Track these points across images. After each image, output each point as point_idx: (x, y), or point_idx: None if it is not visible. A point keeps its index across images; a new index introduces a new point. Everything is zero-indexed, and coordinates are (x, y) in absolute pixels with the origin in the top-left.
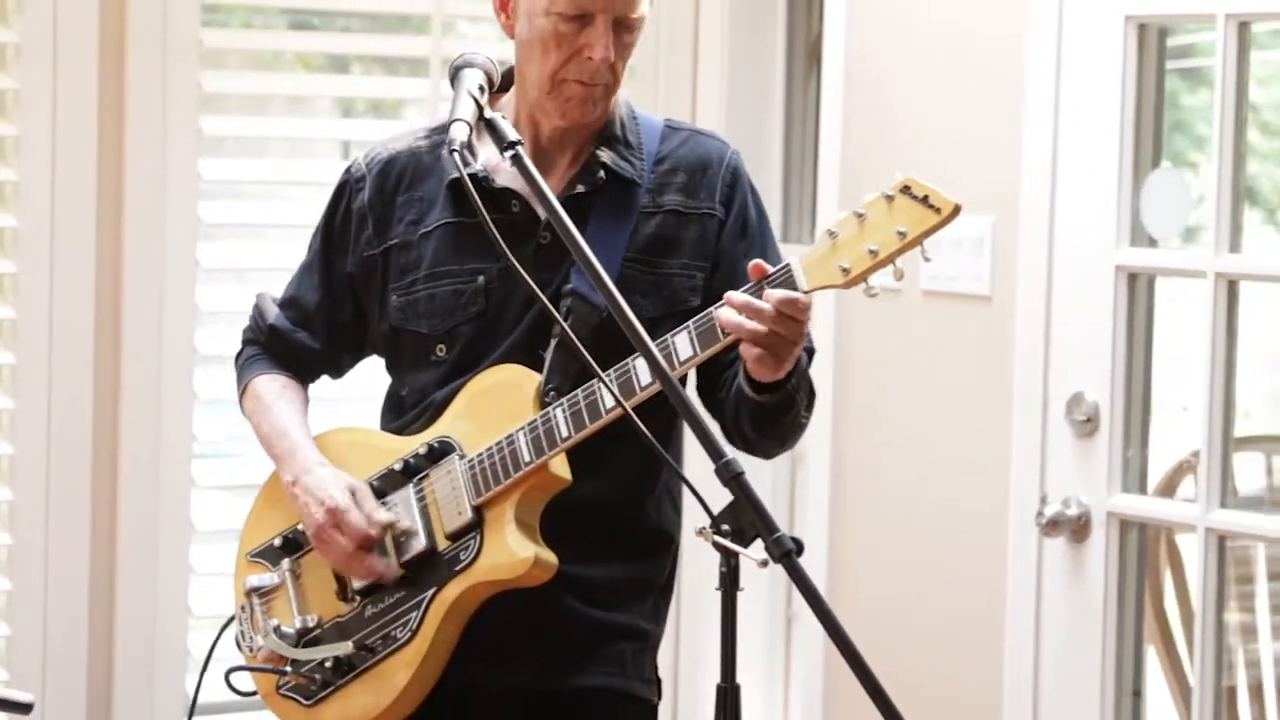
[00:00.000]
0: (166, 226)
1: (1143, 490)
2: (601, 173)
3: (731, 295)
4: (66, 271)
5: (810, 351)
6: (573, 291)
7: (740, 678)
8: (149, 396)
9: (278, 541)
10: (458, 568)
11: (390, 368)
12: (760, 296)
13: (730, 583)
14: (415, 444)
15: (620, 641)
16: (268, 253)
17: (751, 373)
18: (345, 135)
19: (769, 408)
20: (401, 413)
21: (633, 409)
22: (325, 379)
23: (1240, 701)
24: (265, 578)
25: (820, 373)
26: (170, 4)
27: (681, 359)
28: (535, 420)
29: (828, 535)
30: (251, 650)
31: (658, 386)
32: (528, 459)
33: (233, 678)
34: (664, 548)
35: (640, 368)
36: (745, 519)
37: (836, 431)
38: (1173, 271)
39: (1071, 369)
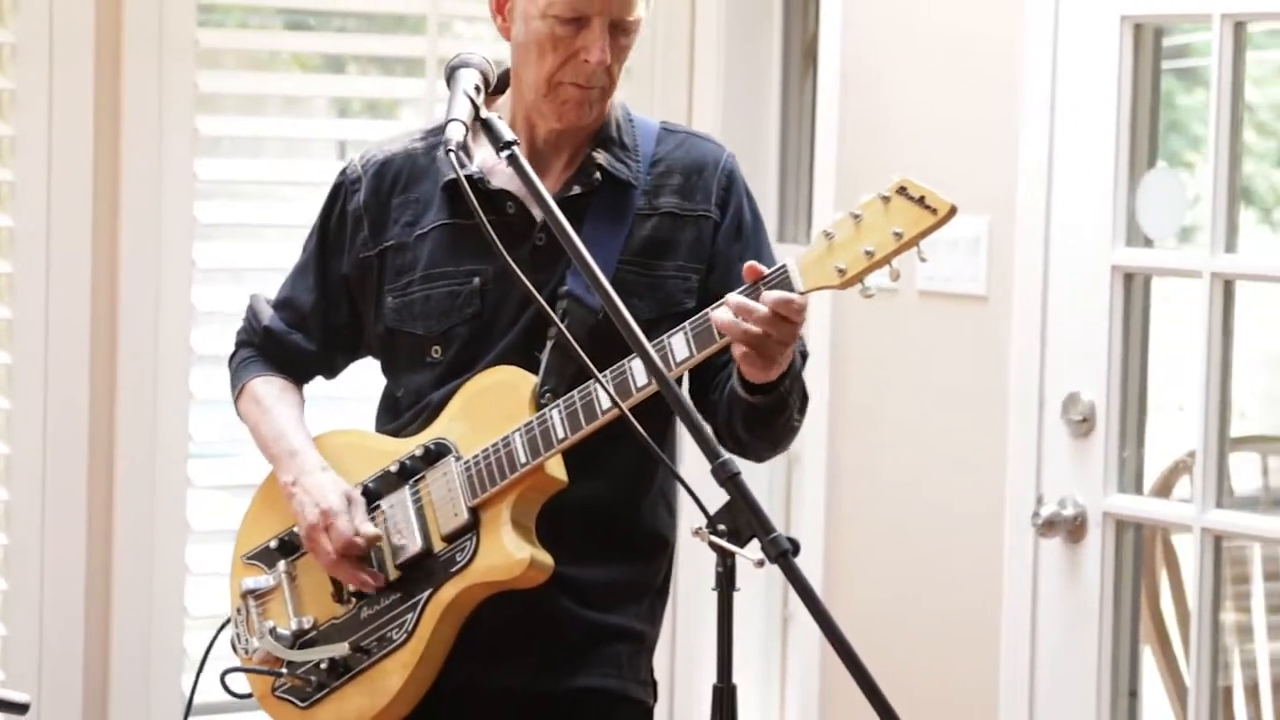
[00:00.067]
0: (162, 226)
1: (1139, 490)
2: (597, 174)
3: (728, 297)
4: (62, 271)
5: (804, 355)
6: (569, 294)
7: (736, 678)
8: (145, 396)
9: (274, 544)
10: (454, 569)
11: (386, 369)
12: (756, 298)
13: (726, 583)
14: (411, 446)
15: (616, 643)
16: (264, 253)
17: (743, 373)
18: (341, 135)
19: (761, 409)
20: (397, 414)
21: (629, 410)
22: (319, 380)
23: (1236, 701)
24: (261, 580)
25: (816, 373)
26: (166, 4)
27: (678, 360)
28: (531, 422)
29: (823, 535)
30: (247, 652)
31: (654, 387)
32: (524, 460)
33: (228, 680)
34: (660, 550)
35: (636, 369)
36: (741, 519)
37: (832, 431)
38: (1168, 271)
39: (1067, 369)
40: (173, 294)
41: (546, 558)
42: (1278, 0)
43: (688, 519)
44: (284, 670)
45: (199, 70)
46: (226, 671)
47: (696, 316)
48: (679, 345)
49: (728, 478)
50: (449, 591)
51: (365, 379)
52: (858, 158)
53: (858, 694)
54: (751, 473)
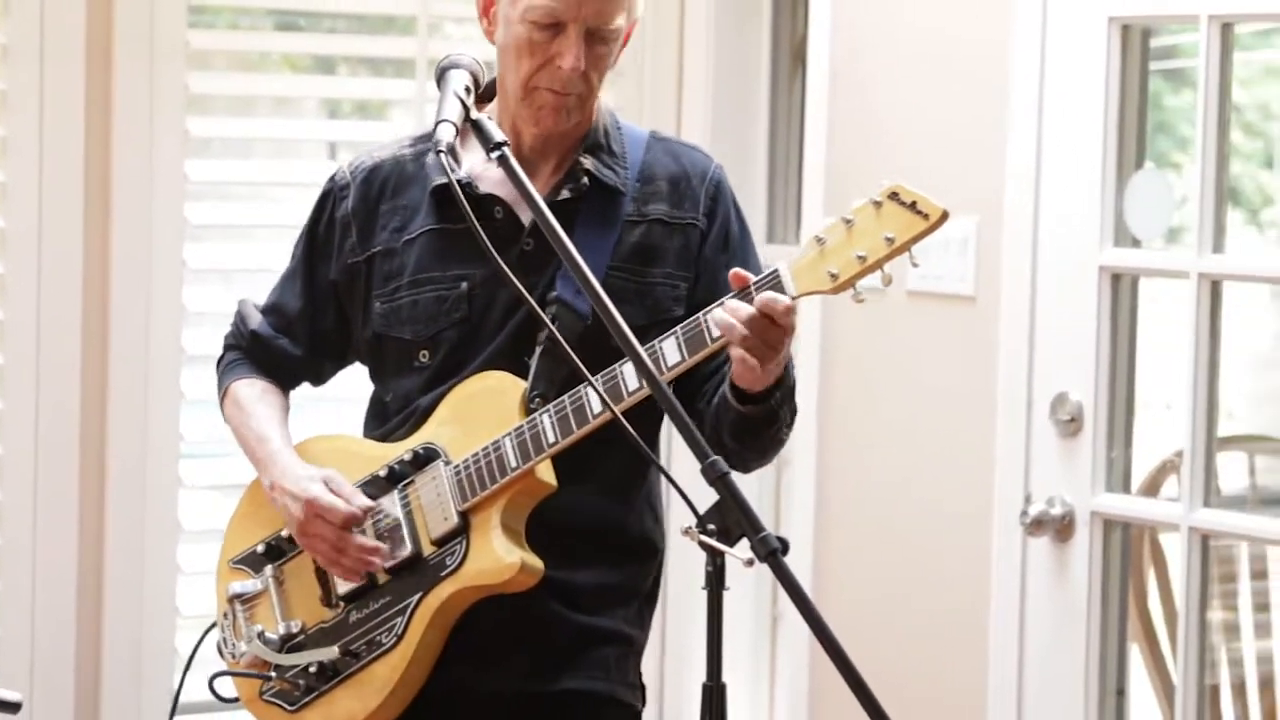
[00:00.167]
0: (153, 227)
1: (1126, 490)
2: (585, 179)
3: (725, 301)
4: (54, 272)
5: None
6: (558, 299)
7: (726, 676)
8: (136, 397)
9: (260, 548)
10: (444, 573)
11: (374, 375)
12: (750, 303)
13: (716, 582)
14: (400, 450)
15: (604, 646)
16: (254, 253)
17: (736, 379)
18: (331, 136)
19: (752, 420)
20: (385, 419)
21: (620, 415)
22: (306, 386)
23: (1223, 700)
24: (248, 584)
25: (805, 373)
26: (157, 5)
27: (669, 364)
28: (522, 426)
29: (813, 535)
30: (234, 656)
31: (645, 392)
32: (514, 464)
33: (216, 684)
34: (648, 554)
35: (628, 373)
36: (731, 518)
37: (821, 431)
38: (1156, 272)
39: (1055, 369)
40: (164, 294)
41: (536, 562)
42: (1265, 1)
43: (677, 520)
44: (272, 674)
45: (190, 71)
46: (215, 675)
47: (688, 321)
48: (670, 349)
49: (717, 477)
50: (439, 595)
51: (351, 382)
52: (846, 159)
53: (847, 693)
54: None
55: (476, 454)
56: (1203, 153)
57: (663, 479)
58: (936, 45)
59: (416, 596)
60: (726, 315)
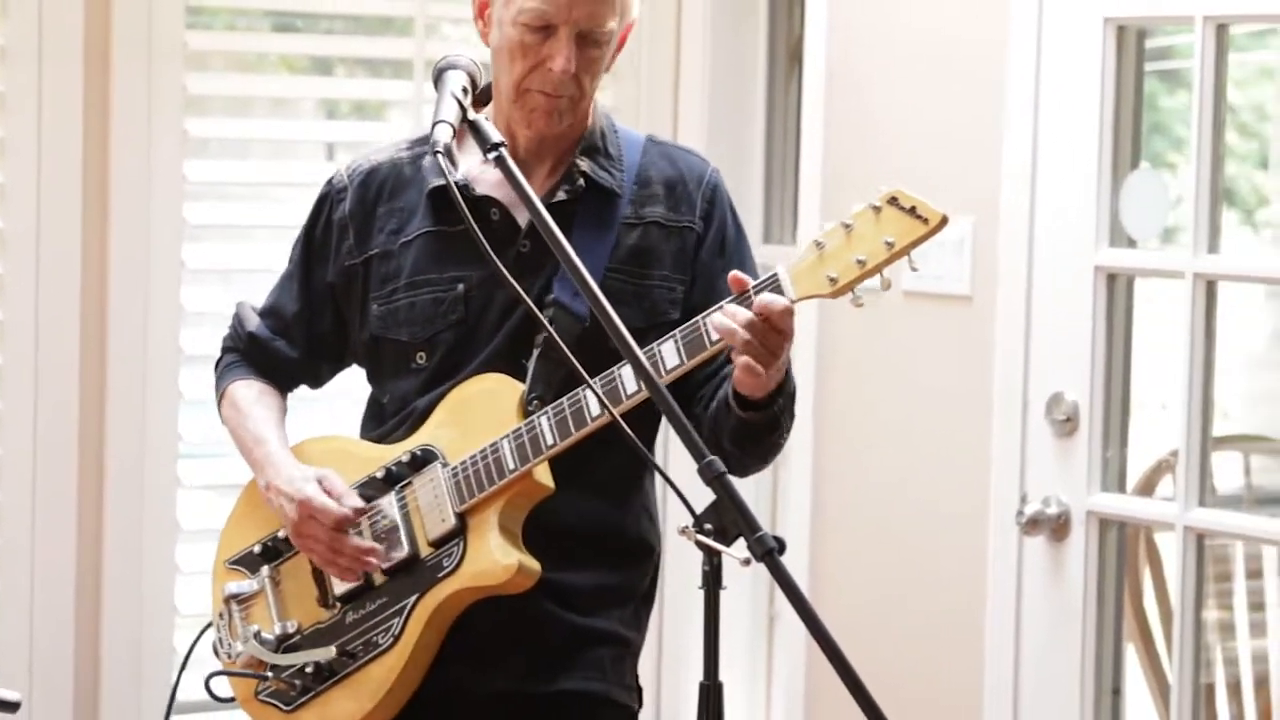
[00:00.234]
0: (151, 227)
1: (1122, 489)
2: (581, 180)
3: (724, 305)
4: (52, 272)
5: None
6: (555, 301)
7: (723, 676)
8: (135, 397)
9: (257, 549)
10: (441, 574)
11: (371, 377)
12: (749, 306)
13: (713, 581)
14: (397, 452)
15: (600, 647)
16: (252, 253)
17: (738, 386)
18: (329, 137)
19: (754, 425)
20: (382, 421)
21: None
22: (303, 388)
23: (1218, 699)
24: (244, 584)
25: (801, 372)
26: (155, 6)
27: (668, 368)
28: (520, 428)
29: (809, 534)
30: (230, 656)
31: (643, 395)
32: (512, 466)
33: (212, 684)
34: (645, 556)
35: (626, 376)
36: (728, 518)
37: (818, 430)
38: (1151, 272)
39: (1051, 369)
40: (162, 294)
41: (534, 563)
42: (1260, 2)
43: (675, 521)
44: (269, 674)
45: (187, 72)
46: (212, 675)
47: (687, 324)
48: (669, 353)
49: (714, 477)
50: (436, 596)
51: (349, 383)
52: (843, 159)
53: (843, 692)
54: None
55: (474, 456)
56: (1198, 153)
57: (659, 482)
58: (933, 46)
59: (413, 598)
60: (726, 319)
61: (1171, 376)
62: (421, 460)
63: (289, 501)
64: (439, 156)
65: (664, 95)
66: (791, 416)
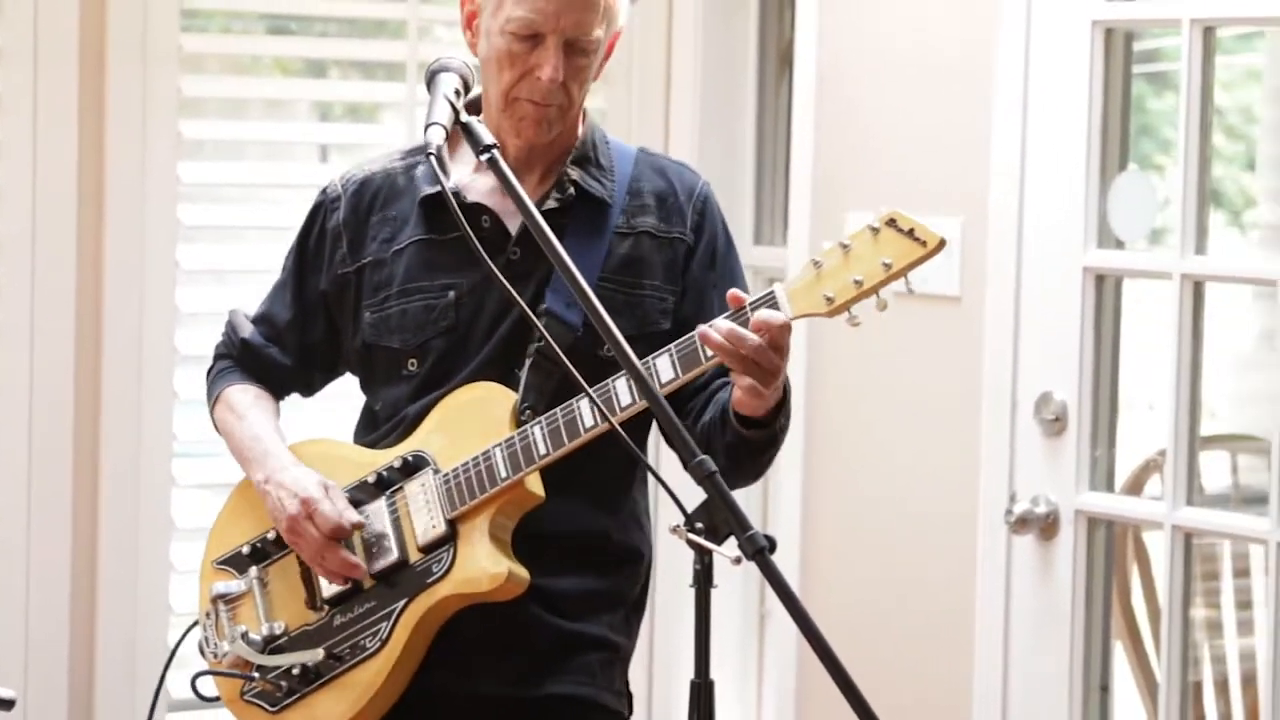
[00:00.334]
0: (146, 229)
1: (1110, 488)
2: (572, 189)
3: (718, 323)
4: (47, 273)
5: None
6: (547, 311)
7: (714, 674)
8: (129, 396)
9: (245, 549)
10: (430, 580)
11: (364, 385)
12: (745, 323)
13: (704, 580)
14: (389, 457)
15: (590, 652)
16: (246, 255)
17: (738, 406)
18: (323, 139)
19: (753, 443)
20: (375, 427)
21: (608, 429)
22: (295, 396)
23: (1206, 696)
24: (232, 585)
25: (792, 372)
26: (150, 9)
27: (663, 381)
28: (513, 437)
29: (800, 533)
30: (216, 656)
31: (637, 407)
32: (504, 475)
33: (198, 683)
34: (635, 562)
35: (620, 388)
36: (719, 517)
37: (808, 430)
38: (1139, 273)
39: (1040, 369)
40: (156, 295)
41: (523, 572)
42: (1246, 5)
43: (666, 524)
44: (255, 675)
45: (182, 74)
46: (198, 674)
47: (683, 338)
48: (664, 367)
49: (705, 476)
50: (424, 602)
51: (345, 387)
52: (833, 161)
53: (834, 690)
54: None
55: (466, 463)
56: (1185, 155)
57: (650, 490)
58: (922, 49)
59: (402, 602)
60: (719, 336)
61: (1159, 377)
62: (413, 466)
63: (291, 496)
64: (431, 158)
65: (655, 98)
66: (785, 434)
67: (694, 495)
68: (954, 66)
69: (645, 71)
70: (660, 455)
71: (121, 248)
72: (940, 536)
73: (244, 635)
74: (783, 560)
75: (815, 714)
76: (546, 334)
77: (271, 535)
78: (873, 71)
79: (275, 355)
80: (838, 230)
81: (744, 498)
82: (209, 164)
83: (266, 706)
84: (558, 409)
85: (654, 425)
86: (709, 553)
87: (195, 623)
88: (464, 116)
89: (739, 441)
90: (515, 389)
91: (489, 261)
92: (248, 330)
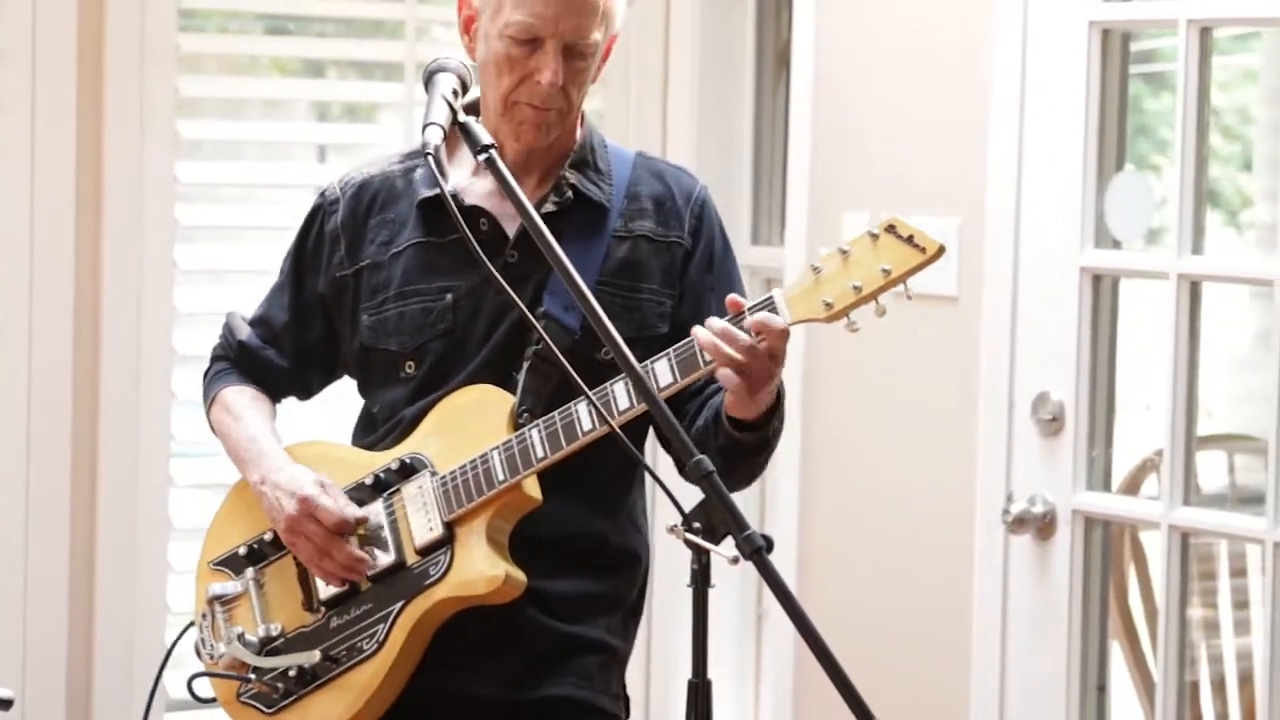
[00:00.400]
0: (144, 229)
1: (1107, 488)
2: (569, 193)
3: (712, 321)
4: (46, 273)
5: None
6: (545, 314)
7: (711, 674)
8: (127, 396)
9: (242, 550)
10: (427, 582)
11: (362, 387)
12: (742, 327)
13: (702, 580)
14: (386, 459)
15: (587, 655)
16: (244, 254)
17: (729, 409)
18: (321, 139)
19: (744, 445)
20: (373, 430)
21: (606, 432)
22: (292, 399)
23: (1203, 696)
24: (228, 586)
25: (788, 372)
26: (148, 9)
27: (661, 385)
28: (510, 440)
29: (797, 533)
30: (211, 658)
31: (635, 411)
32: (501, 478)
33: (194, 684)
34: (632, 565)
35: (619, 392)
36: (716, 517)
37: (805, 430)
38: (1136, 273)
39: (1037, 369)
40: (154, 295)
41: (520, 574)
42: (1243, 6)
43: (662, 528)
44: (251, 676)
45: (180, 75)
46: (195, 675)
47: (682, 343)
48: (663, 370)
49: (702, 476)
50: (421, 604)
51: (342, 390)
52: (830, 161)
53: (831, 689)
54: None
55: (464, 466)
56: (1182, 155)
57: (648, 494)
58: (919, 49)
59: (399, 605)
60: (712, 337)
61: (1156, 376)
62: (410, 468)
63: (289, 496)
64: (429, 158)
65: (652, 98)
66: (778, 440)
67: (691, 498)
68: (951, 67)
69: (643, 72)
70: (656, 459)
71: (119, 248)
72: (937, 536)
73: (240, 636)
74: (780, 560)
75: (812, 714)
76: (545, 336)
77: (269, 536)
78: (870, 72)
79: (272, 357)
80: (835, 230)
81: (741, 498)
82: (207, 164)
83: (263, 708)
84: (555, 412)
85: (649, 432)
86: (706, 552)
87: (191, 623)
88: (462, 116)
89: (731, 444)
90: (513, 392)
91: (488, 263)
92: (245, 332)
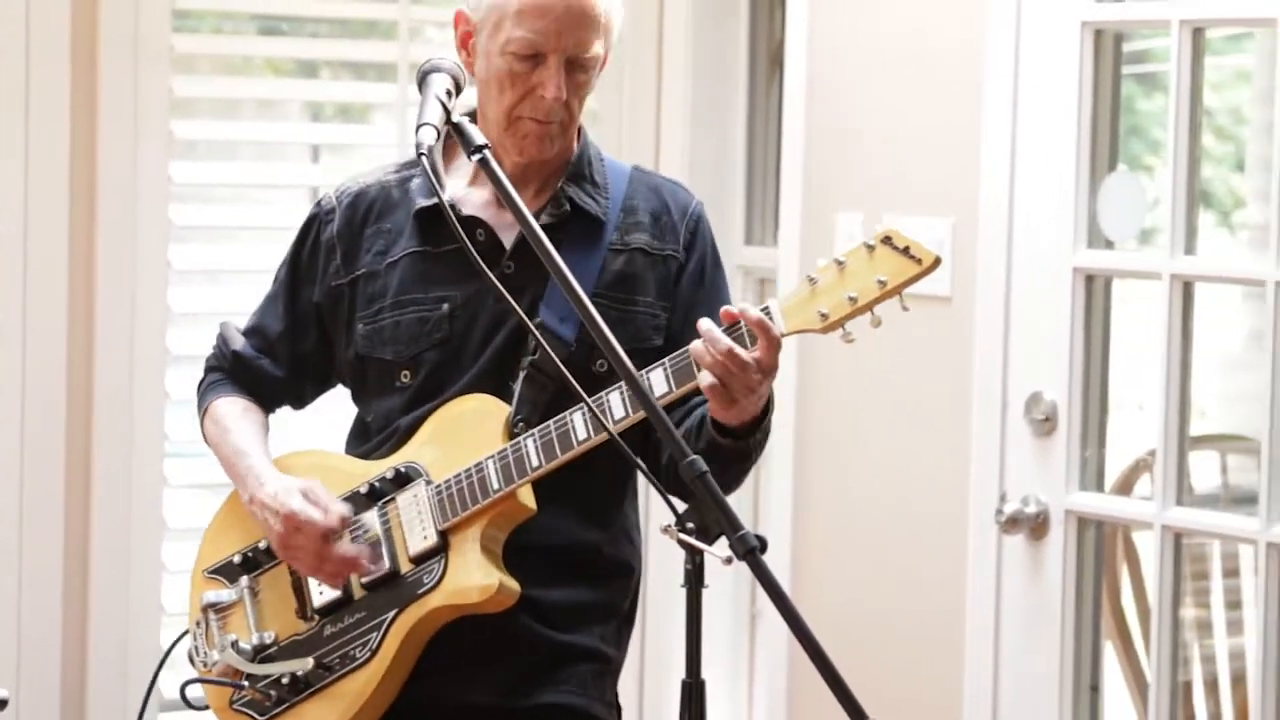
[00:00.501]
0: (138, 229)
1: (1100, 488)
2: (567, 206)
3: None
4: (40, 274)
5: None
6: (540, 325)
7: (705, 674)
8: (121, 396)
9: (236, 558)
10: (421, 590)
11: (356, 396)
12: (739, 338)
13: (695, 580)
14: (381, 468)
15: (581, 663)
16: (238, 254)
17: (714, 413)
18: (314, 139)
19: (724, 451)
20: (367, 439)
21: (599, 444)
22: (286, 408)
23: (1196, 696)
24: (223, 594)
25: (783, 372)
26: (141, 10)
27: (656, 395)
28: (505, 449)
29: (791, 533)
30: (205, 665)
31: (630, 421)
32: (496, 487)
33: (187, 691)
34: (625, 574)
35: (613, 401)
36: (710, 517)
37: (799, 430)
38: (1129, 273)
39: (1030, 369)
40: (148, 295)
41: (513, 583)
42: (1235, 7)
43: (656, 536)
44: (244, 683)
45: (174, 75)
46: (188, 682)
47: (675, 353)
48: (658, 380)
49: (696, 476)
50: (415, 613)
51: (336, 401)
52: (823, 162)
53: (825, 689)
54: None
55: (459, 475)
56: (1174, 156)
57: (639, 506)
58: (912, 50)
59: (392, 613)
60: (701, 340)
61: (1149, 377)
62: (405, 477)
63: (274, 516)
64: (423, 159)
65: (646, 99)
66: (761, 452)
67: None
68: (944, 67)
69: (636, 73)
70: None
71: (113, 248)
72: (931, 536)
73: (234, 644)
74: (774, 560)
75: (806, 714)
76: (544, 343)
77: (263, 544)
78: (863, 72)
79: (267, 367)
80: (828, 231)
81: (734, 498)
82: (201, 164)
83: (255, 715)
84: (551, 422)
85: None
86: (700, 553)
87: (185, 632)
88: (455, 116)
89: (710, 449)
90: (509, 402)
91: (488, 272)
92: (239, 343)
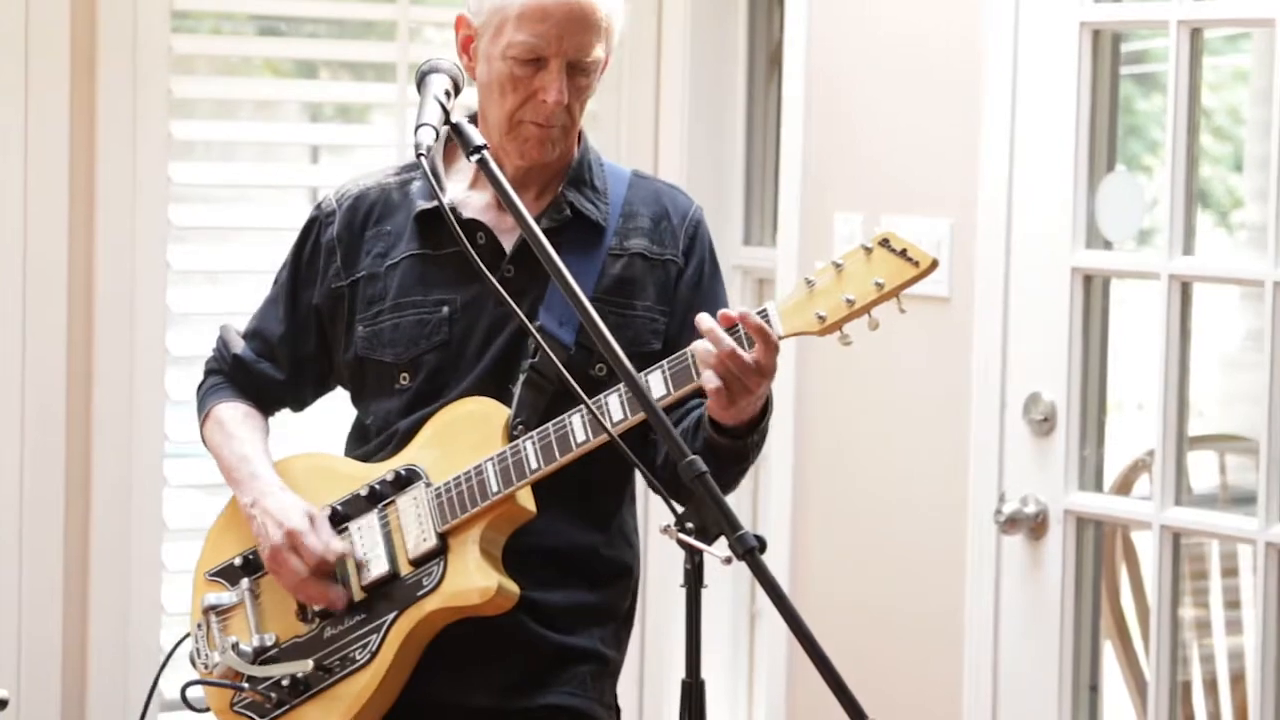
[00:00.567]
0: (137, 229)
1: (1099, 488)
2: (567, 210)
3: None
4: (39, 274)
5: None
6: (540, 329)
7: (705, 674)
8: (121, 397)
9: (238, 561)
10: (420, 593)
11: (355, 398)
12: (738, 340)
13: (695, 580)
14: (381, 471)
15: (580, 664)
16: (237, 255)
17: (712, 411)
18: (313, 139)
19: (720, 450)
20: (366, 441)
21: (598, 447)
22: (286, 412)
23: (1195, 695)
24: (224, 596)
25: (781, 372)
26: (140, 10)
27: (654, 397)
28: (504, 452)
29: (790, 533)
30: (207, 667)
31: (628, 423)
32: (495, 489)
33: (188, 693)
34: (623, 576)
35: (612, 404)
36: (709, 517)
37: (798, 430)
38: (1127, 273)
39: (1029, 369)
40: (148, 296)
41: (513, 586)
42: (1233, 7)
43: (655, 539)
44: (245, 685)
45: (173, 75)
46: (188, 684)
47: (674, 356)
48: (656, 383)
49: (695, 476)
50: (414, 615)
51: (331, 408)
52: (822, 162)
53: (824, 689)
54: None
55: (458, 477)
56: (1173, 156)
57: (637, 508)
58: (911, 50)
59: (392, 615)
60: (706, 345)
61: (1147, 377)
62: (405, 480)
63: (276, 526)
64: (423, 160)
65: (645, 99)
66: (758, 453)
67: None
68: (943, 68)
69: (635, 73)
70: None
71: (112, 248)
72: (930, 536)
73: (235, 646)
74: (773, 560)
75: (806, 713)
76: (545, 346)
77: (260, 550)
78: (862, 72)
79: (268, 370)
80: (827, 231)
81: (734, 498)
82: (200, 165)
83: (256, 717)
84: (550, 424)
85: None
86: (699, 552)
87: (186, 634)
88: (454, 117)
89: (707, 448)
90: (508, 405)
91: (489, 275)
92: (239, 346)
